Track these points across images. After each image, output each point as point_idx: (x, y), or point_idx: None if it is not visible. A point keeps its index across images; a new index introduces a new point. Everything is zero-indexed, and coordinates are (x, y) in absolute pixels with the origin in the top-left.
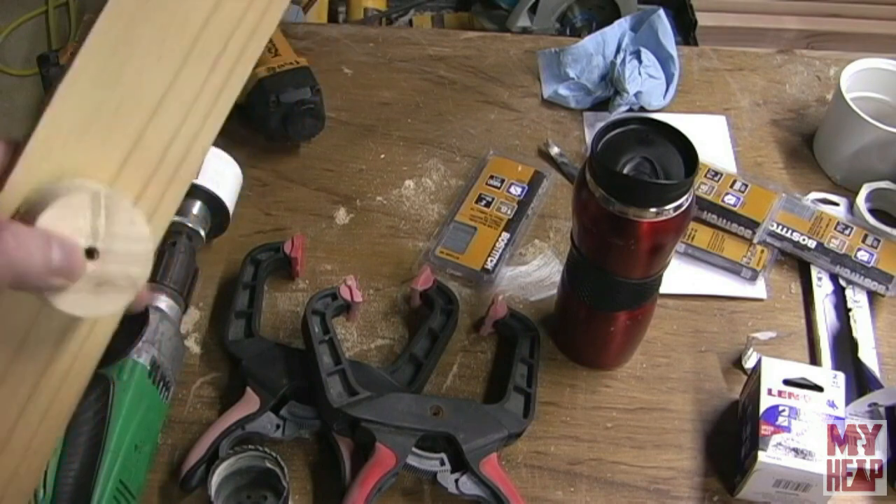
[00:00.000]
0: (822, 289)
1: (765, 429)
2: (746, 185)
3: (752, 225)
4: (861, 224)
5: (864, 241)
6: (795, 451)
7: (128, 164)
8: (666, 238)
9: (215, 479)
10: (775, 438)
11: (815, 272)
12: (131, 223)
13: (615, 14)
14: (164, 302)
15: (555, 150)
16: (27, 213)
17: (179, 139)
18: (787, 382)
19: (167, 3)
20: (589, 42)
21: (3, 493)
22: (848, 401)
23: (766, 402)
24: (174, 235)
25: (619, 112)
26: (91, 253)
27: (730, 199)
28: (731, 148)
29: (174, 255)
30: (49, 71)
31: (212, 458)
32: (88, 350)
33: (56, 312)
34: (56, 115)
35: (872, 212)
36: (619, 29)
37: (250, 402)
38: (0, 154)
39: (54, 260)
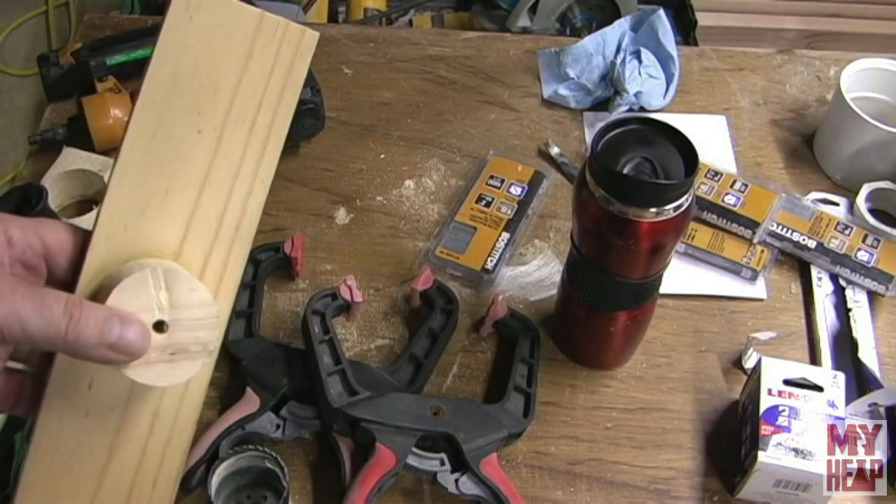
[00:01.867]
0: (822, 289)
1: (765, 429)
2: (746, 185)
3: (752, 225)
4: (861, 224)
5: (864, 241)
6: (795, 451)
7: (188, 237)
8: (666, 238)
9: (215, 479)
10: (775, 438)
11: (815, 272)
12: (191, 290)
13: (615, 14)
14: None
15: (555, 150)
16: (97, 299)
17: (233, 203)
18: (787, 382)
19: (195, 77)
20: (589, 42)
21: None
22: (848, 401)
23: (766, 402)
24: None
25: (619, 112)
26: (160, 326)
27: (730, 199)
28: (731, 148)
29: None
30: (49, 71)
31: (212, 459)
32: (186, 412)
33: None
34: (111, 206)
35: (872, 212)
36: (619, 29)
37: (250, 402)
38: (71, 246)
39: (112, 335)
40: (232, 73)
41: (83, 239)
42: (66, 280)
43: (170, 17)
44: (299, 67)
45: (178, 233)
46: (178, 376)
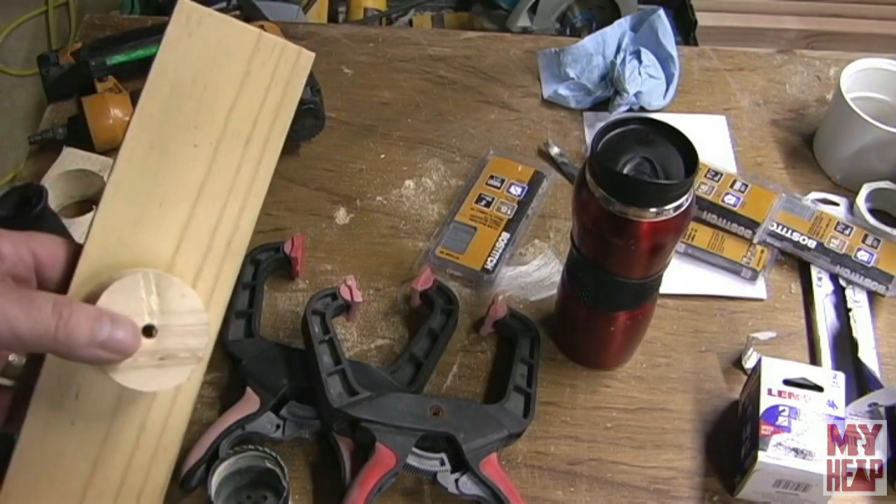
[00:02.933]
0: (822, 289)
1: (765, 429)
2: (746, 185)
3: (752, 225)
4: (861, 224)
5: (864, 241)
6: (795, 451)
7: (181, 250)
8: (666, 238)
9: (215, 480)
10: (775, 438)
11: (815, 272)
12: (182, 297)
13: (615, 14)
14: None
15: (555, 150)
16: (89, 301)
17: (226, 218)
18: (787, 382)
19: (193, 92)
20: (589, 42)
21: None
22: (848, 401)
23: (766, 402)
24: None
25: (619, 112)
26: (149, 331)
27: (730, 199)
28: (731, 148)
29: None
30: (49, 71)
31: (212, 459)
32: (173, 427)
33: (128, 390)
34: (106, 216)
35: (872, 212)
36: (619, 29)
37: (250, 402)
38: (63, 258)
39: (102, 333)
40: (229, 89)
41: (75, 251)
42: (57, 291)
43: (169, 32)
44: (295, 87)
45: (171, 245)
46: (167, 382)
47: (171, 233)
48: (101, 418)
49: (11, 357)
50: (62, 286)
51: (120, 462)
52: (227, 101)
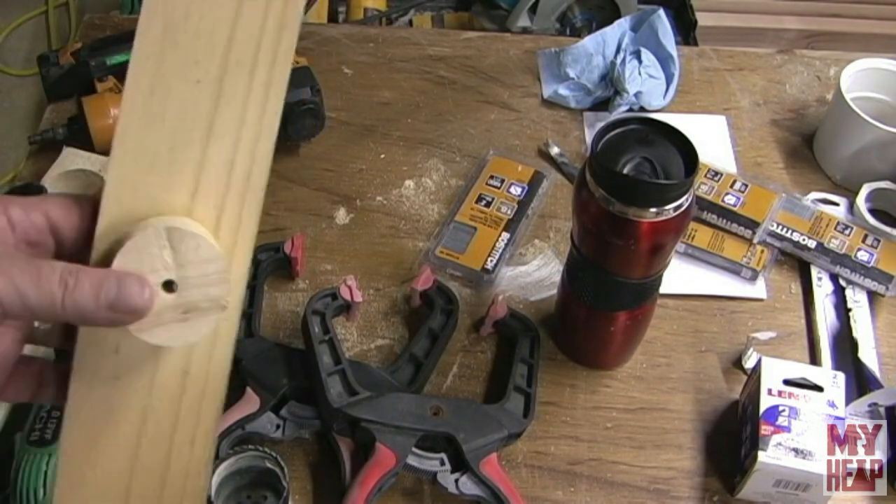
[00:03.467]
0: (822, 289)
1: (765, 429)
2: (746, 185)
3: (752, 225)
4: (861, 224)
5: (864, 241)
6: (795, 451)
7: (199, 192)
8: (666, 238)
9: (215, 479)
10: (775, 438)
11: (815, 272)
12: (198, 247)
13: (615, 14)
14: None
15: (555, 150)
16: (107, 264)
17: (241, 152)
18: (787, 382)
19: (188, 26)
20: (589, 42)
21: None
22: (848, 401)
23: (766, 402)
24: None
25: (619, 112)
26: (169, 285)
27: (730, 199)
28: (731, 148)
29: None
30: (49, 71)
31: None
32: (216, 371)
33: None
34: (117, 169)
35: (872, 212)
36: (619, 29)
37: (250, 402)
38: (77, 217)
39: (109, 296)
40: (225, 16)
41: (91, 207)
42: (76, 251)
43: None
44: (294, 5)
45: (188, 188)
46: (193, 335)
47: (187, 175)
48: (144, 370)
49: (37, 322)
50: (81, 245)
51: (169, 409)
52: (225, 28)
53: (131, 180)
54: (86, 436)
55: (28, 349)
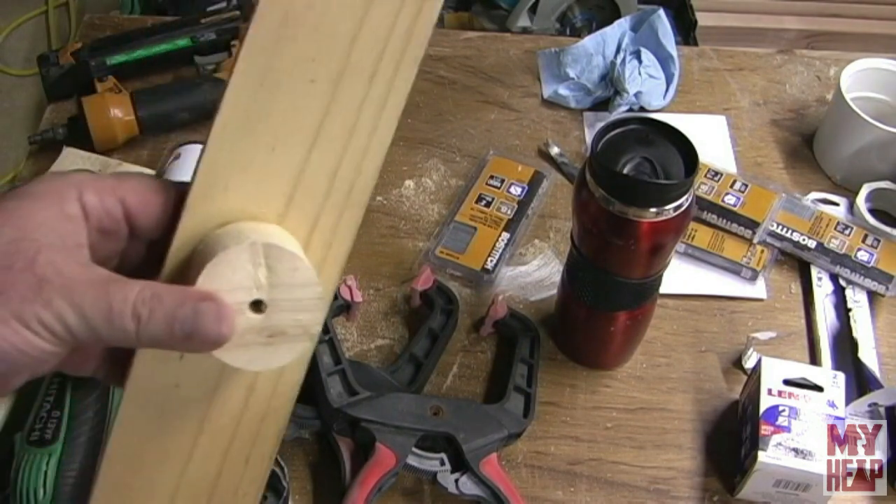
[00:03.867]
0: (822, 289)
1: (765, 429)
2: (746, 185)
3: (752, 225)
4: (861, 224)
5: (864, 241)
6: (795, 451)
7: (295, 199)
8: (666, 238)
9: None
10: (775, 438)
11: (815, 272)
12: (294, 270)
13: (615, 14)
14: None
15: (555, 150)
16: (192, 270)
17: (346, 163)
18: (787, 382)
19: (309, 19)
20: (589, 42)
21: None
22: (848, 401)
23: (766, 402)
24: None
25: (619, 112)
26: (257, 305)
27: (730, 199)
28: (731, 148)
29: None
30: (49, 71)
31: None
32: (283, 390)
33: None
34: (211, 163)
35: (872, 212)
36: (619, 29)
37: None
38: (156, 206)
39: (183, 328)
40: (352, 14)
41: (174, 197)
42: (152, 239)
43: None
44: (429, 13)
45: (284, 194)
46: (274, 361)
47: (285, 180)
48: (206, 380)
49: None
50: (158, 233)
51: (228, 424)
52: (349, 28)
53: (224, 178)
54: (135, 441)
55: None
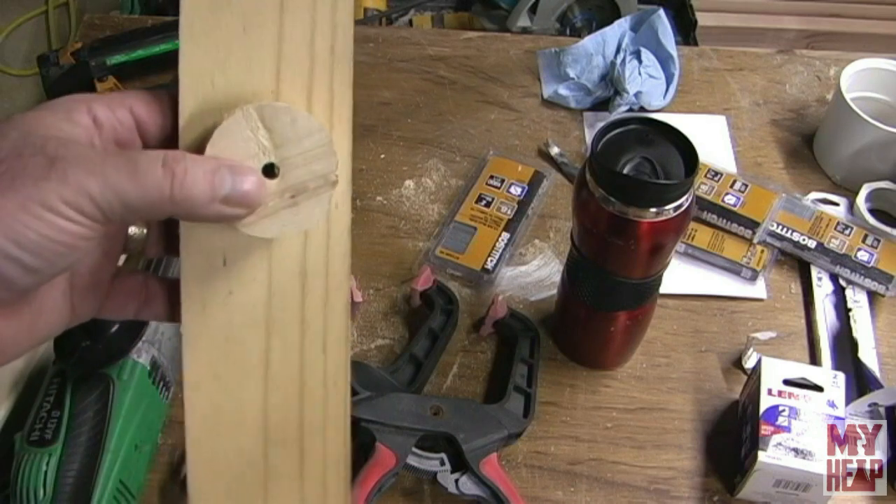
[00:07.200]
0: (822, 289)
1: (765, 429)
2: (746, 185)
3: (752, 225)
4: (861, 224)
5: (864, 241)
6: (795, 451)
7: (282, 73)
8: (666, 238)
9: None
10: (775, 438)
11: (815, 272)
12: (293, 122)
13: (615, 14)
14: None
15: (555, 150)
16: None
17: (319, 23)
18: (787, 382)
19: None
20: (589, 42)
21: (324, 427)
22: (848, 401)
23: (766, 402)
24: None
25: (619, 112)
26: (270, 170)
27: (730, 199)
28: (731, 148)
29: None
30: (49, 71)
31: None
32: (336, 266)
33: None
34: (189, 63)
35: (872, 212)
36: (619, 29)
37: None
38: (159, 114)
39: (224, 188)
40: None
41: (171, 102)
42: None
43: None
44: None
45: (270, 72)
46: (307, 220)
47: (266, 58)
48: (257, 278)
49: (132, 230)
50: (164, 145)
51: (293, 317)
52: None
53: (208, 72)
54: (211, 363)
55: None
